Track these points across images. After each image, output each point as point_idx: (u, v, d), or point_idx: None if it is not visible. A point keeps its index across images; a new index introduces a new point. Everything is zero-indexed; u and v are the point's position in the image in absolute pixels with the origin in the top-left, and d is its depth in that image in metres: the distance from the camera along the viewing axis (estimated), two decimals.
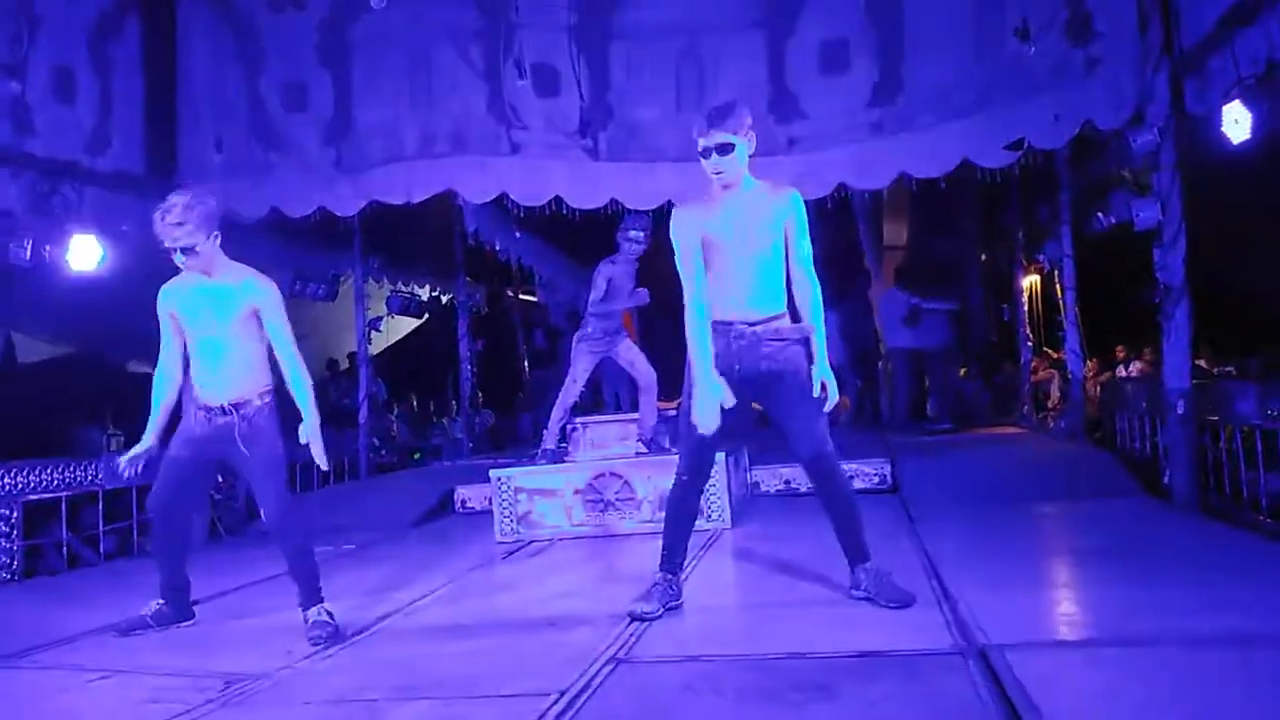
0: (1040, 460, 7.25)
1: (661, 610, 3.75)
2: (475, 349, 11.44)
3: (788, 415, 3.76)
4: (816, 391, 3.67)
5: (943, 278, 10.43)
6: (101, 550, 6.33)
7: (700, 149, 3.65)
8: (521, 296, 14.77)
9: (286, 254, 8.79)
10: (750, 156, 3.70)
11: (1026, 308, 10.46)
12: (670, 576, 3.89)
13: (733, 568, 4.98)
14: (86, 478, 6.26)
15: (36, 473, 5.95)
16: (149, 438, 3.99)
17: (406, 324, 12.82)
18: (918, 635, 3.23)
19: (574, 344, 6.53)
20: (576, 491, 6.11)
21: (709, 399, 3.60)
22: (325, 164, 7.07)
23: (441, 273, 11.34)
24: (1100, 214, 6.91)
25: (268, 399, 3.96)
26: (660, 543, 3.94)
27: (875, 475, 6.93)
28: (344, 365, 12.39)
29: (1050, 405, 9.98)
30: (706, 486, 3.92)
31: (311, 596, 3.92)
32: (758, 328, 3.70)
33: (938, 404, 9.59)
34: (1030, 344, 10.20)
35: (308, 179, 7.11)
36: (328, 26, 7.04)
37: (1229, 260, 8.82)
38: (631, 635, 3.49)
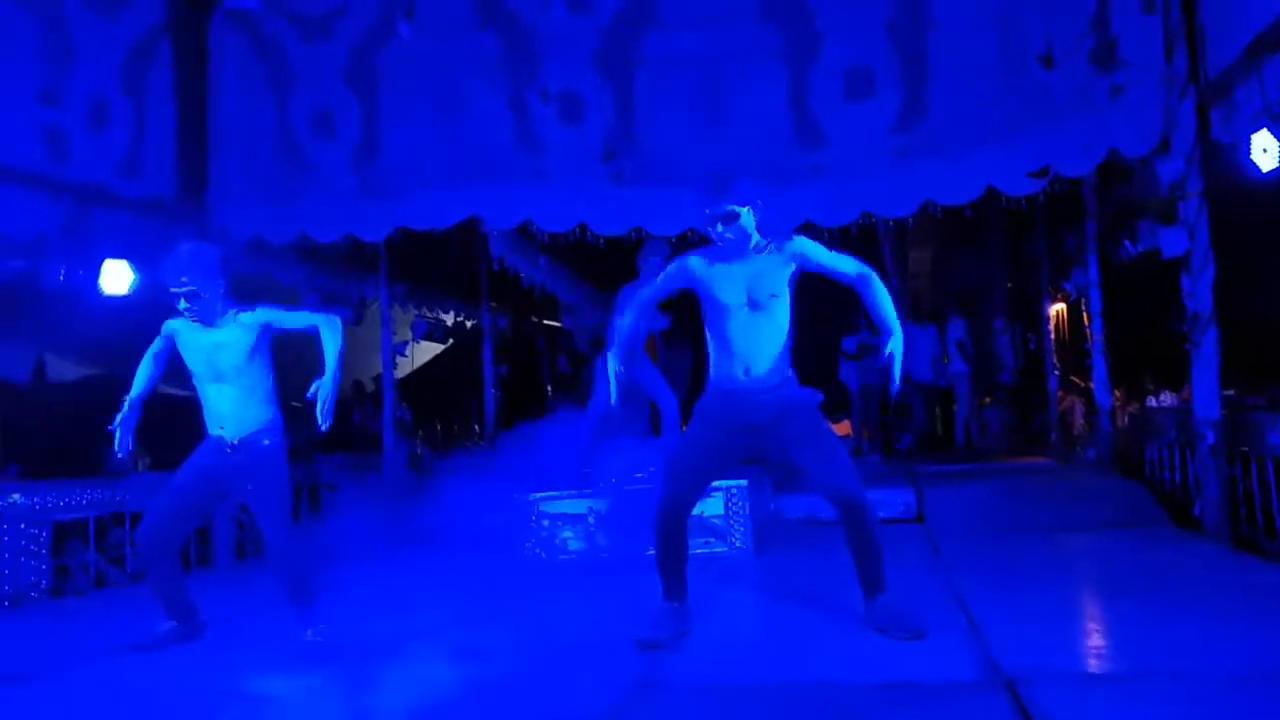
0: (1067, 490, 7.16)
1: (672, 638, 3.72)
2: (499, 374, 11.48)
3: (802, 458, 3.72)
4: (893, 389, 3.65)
5: (967, 305, 10.40)
6: (128, 570, 6.37)
7: (707, 219, 3.68)
8: (545, 322, 14.82)
9: (313, 278, 8.89)
10: (756, 220, 3.70)
11: (1053, 336, 10.38)
12: (677, 604, 3.86)
13: (756, 594, 4.94)
14: (114, 497, 6.31)
15: (65, 492, 6.01)
16: (126, 406, 4.09)
17: (432, 349, 12.90)
18: (945, 666, 3.19)
19: (597, 369, 6.55)
20: (599, 516, 6.10)
21: (610, 377, 3.81)
22: (352, 189, 7.15)
23: (466, 298, 11.42)
24: (1128, 241, 6.86)
25: (275, 434, 4.10)
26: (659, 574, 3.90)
27: (900, 505, 6.87)
28: (369, 388, 12.46)
29: (1076, 434, 9.88)
30: (693, 514, 3.89)
31: (309, 617, 4.02)
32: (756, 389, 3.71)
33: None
34: (1057, 373, 10.12)
35: (335, 204, 7.18)
36: (356, 54, 7.14)
37: (1259, 288, 8.72)
38: (653, 661, 3.47)
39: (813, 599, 4.40)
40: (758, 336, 3.68)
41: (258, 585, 5.85)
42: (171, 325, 4.13)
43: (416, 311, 10.78)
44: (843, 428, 11.22)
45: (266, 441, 4.06)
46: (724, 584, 4.94)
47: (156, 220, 6.96)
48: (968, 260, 11.58)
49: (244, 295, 7.47)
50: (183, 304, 3.96)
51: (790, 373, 3.78)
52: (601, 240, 7.01)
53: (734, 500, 5.89)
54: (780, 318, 3.71)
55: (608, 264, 7.92)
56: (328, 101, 7.19)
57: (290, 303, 9.22)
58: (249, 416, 4.05)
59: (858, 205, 6.48)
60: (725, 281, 3.69)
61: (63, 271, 6.31)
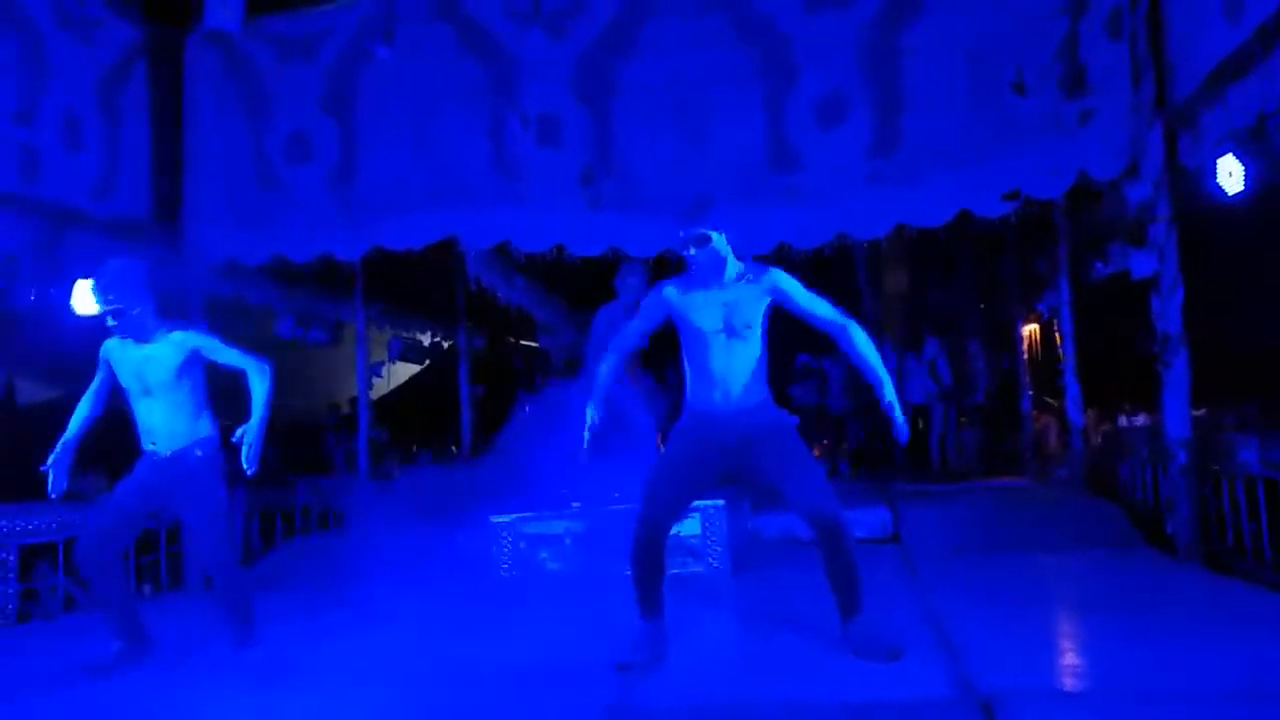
0: (1041, 510, 7.20)
1: (649, 659, 3.71)
2: (477, 394, 11.45)
3: (779, 480, 3.73)
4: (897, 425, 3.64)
5: (941, 327, 10.49)
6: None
7: (680, 242, 3.72)
8: (522, 342, 14.81)
9: (288, 299, 8.84)
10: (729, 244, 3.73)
11: (1026, 356, 10.48)
12: (653, 624, 3.85)
13: (733, 615, 4.94)
14: (82, 521, 6.22)
15: (33, 516, 5.93)
16: (60, 448, 4.13)
17: (409, 369, 12.86)
18: (922, 684, 3.21)
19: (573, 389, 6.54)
20: (575, 538, 6.08)
21: (587, 426, 3.79)
22: (329, 211, 7.13)
23: (443, 319, 11.39)
24: (1099, 263, 6.96)
25: (207, 446, 4.14)
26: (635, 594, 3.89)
27: (876, 524, 6.89)
28: (345, 410, 12.39)
29: (1050, 454, 9.96)
30: (670, 535, 3.89)
31: (246, 637, 4.06)
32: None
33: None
34: (1031, 393, 10.21)
35: (311, 225, 7.16)
36: (334, 76, 7.14)
37: (1228, 309, 8.86)
38: (629, 683, 3.46)
39: (789, 619, 4.40)
40: (734, 362, 3.70)
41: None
42: (106, 346, 4.20)
43: (393, 332, 10.74)
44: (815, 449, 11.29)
45: (199, 453, 4.11)
46: (701, 604, 4.93)
47: (130, 242, 6.91)
48: (942, 282, 11.69)
49: (217, 316, 7.47)
50: (110, 321, 4.06)
51: (767, 395, 3.80)
52: (579, 261, 7.03)
53: (711, 520, 5.89)
54: (755, 344, 3.73)
55: (585, 284, 7.93)
56: (305, 123, 7.18)
57: (266, 325, 9.22)
58: (179, 430, 4.11)
59: (832, 227, 6.53)
60: (702, 308, 3.71)
61: (34, 292, 6.25)
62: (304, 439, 11.58)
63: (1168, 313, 5.97)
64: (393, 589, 6.37)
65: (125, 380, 4.13)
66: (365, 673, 3.95)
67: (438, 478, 9.27)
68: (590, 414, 3.85)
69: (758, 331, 3.73)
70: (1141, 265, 6.09)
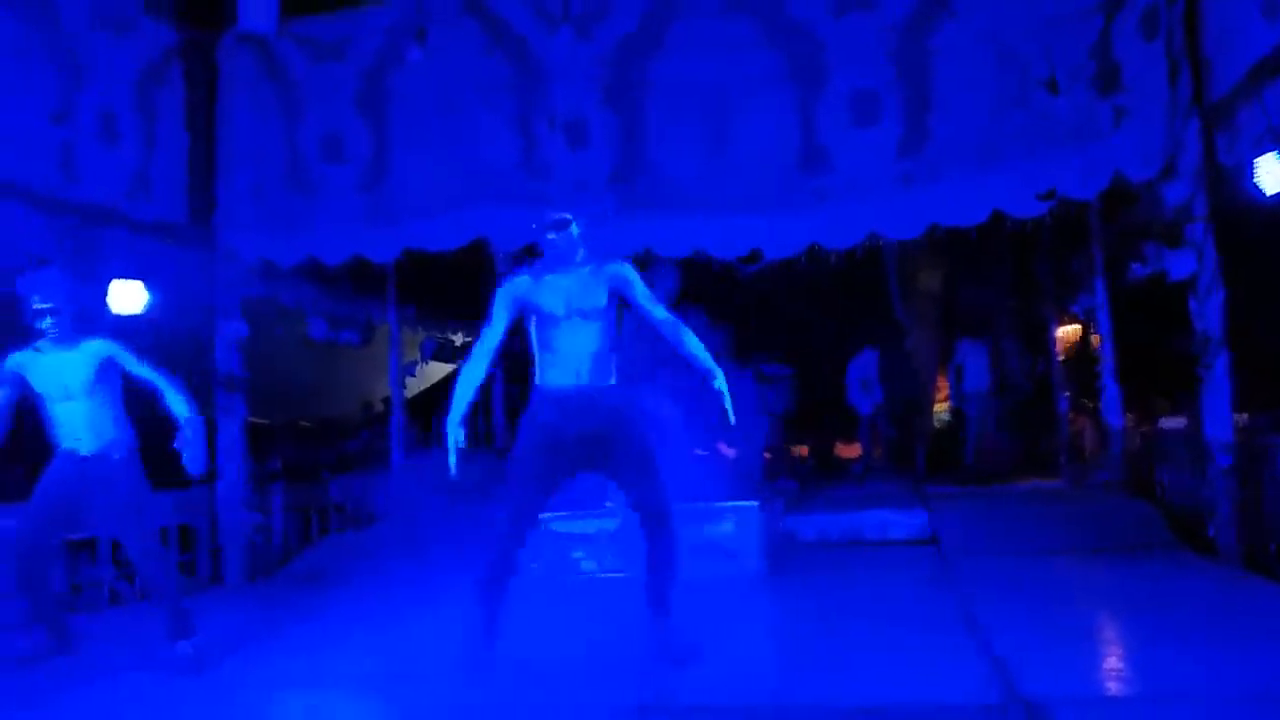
0: (1079, 512, 7.13)
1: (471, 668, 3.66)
2: (510, 392, 11.47)
3: (622, 475, 3.81)
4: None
5: (974, 328, 10.40)
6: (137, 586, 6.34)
7: (538, 229, 3.79)
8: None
9: (321, 300, 8.92)
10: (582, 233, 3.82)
11: (1061, 358, 10.37)
12: (483, 638, 3.75)
13: (767, 616, 4.93)
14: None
15: None
16: None
17: (441, 368, 12.93)
18: (961, 688, 3.18)
19: None
20: (610, 536, 6.09)
21: (450, 446, 3.74)
22: (360, 212, 7.17)
23: (475, 318, 11.38)
24: (1135, 264, 6.87)
25: (124, 449, 4.25)
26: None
27: (913, 526, 6.85)
28: (378, 408, 12.47)
29: (1086, 456, 9.84)
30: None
31: (181, 629, 4.15)
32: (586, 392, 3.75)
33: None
34: (1067, 395, 10.09)
35: (343, 227, 7.21)
36: (366, 77, 7.18)
37: (1269, 310, 8.71)
38: (663, 682, 3.46)
39: (824, 621, 4.39)
40: (585, 343, 3.75)
41: (270, 604, 5.86)
42: (16, 359, 4.24)
43: (426, 332, 10.79)
44: (853, 449, 11.23)
45: (117, 455, 4.22)
46: (735, 605, 4.93)
47: (166, 242, 7.00)
48: (974, 283, 11.58)
49: (251, 317, 7.54)
50: (48, 320, 4.14)
51: (618, 378, 3.84)
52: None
53: (744, 521, 5.87)
54: (604, 328, 3.79)
55: None
56: (337, 124, 7.23)
57: (299, 326, 9.29)
58: (101, 431, 4.21)
59: (863, 228, 6.51)
60: (550, 292, 3.77)
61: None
62: (337, 437, 11.67)
63: (1207, 314, 5.89)
64: (426, 584, 6.41)
65: (46, 387, 4.21)
66: (400, 670, 3.97)
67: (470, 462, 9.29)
68: (452, 432, 3.79)
69: (606, 316, 3.80)
70: (1179, 266, 6.01)
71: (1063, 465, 9.68)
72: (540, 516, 3.96)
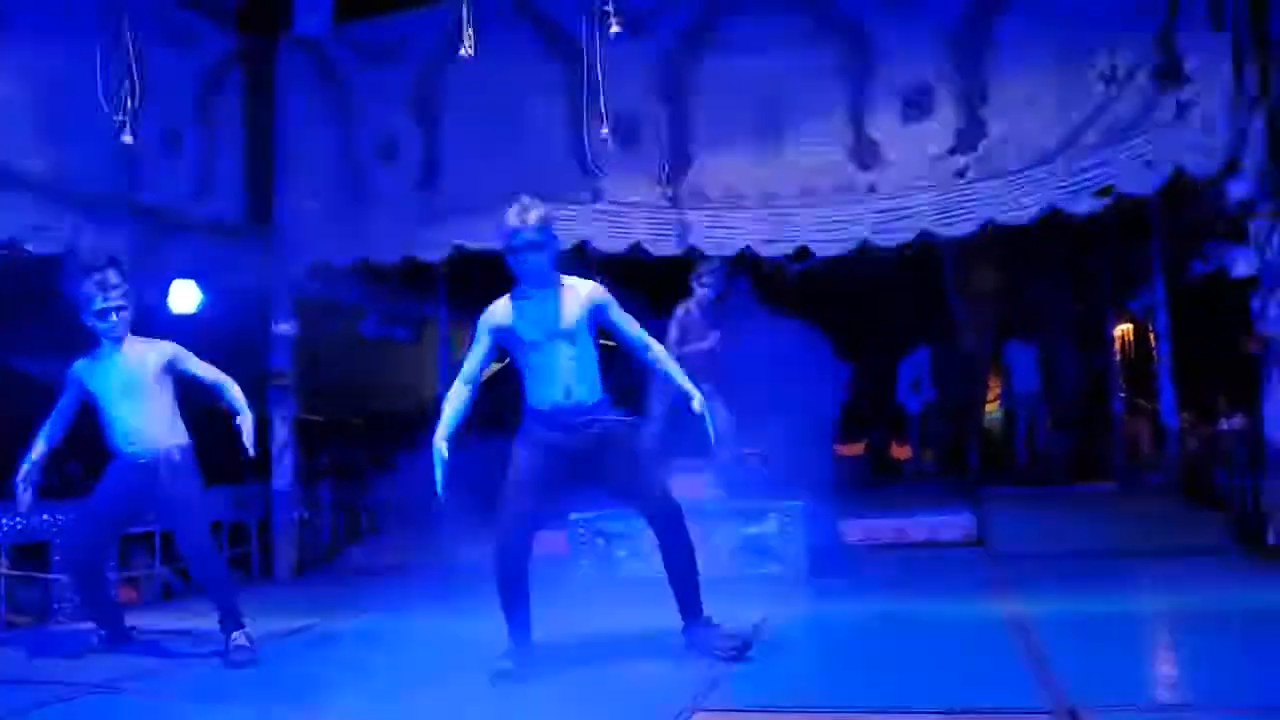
0: (1133, 515, 6.99)
1: (516, 673, 3.62)
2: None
3: (621, 481, 3.82)
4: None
5: (1029, 326, 10.25)
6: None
7: (508, 248, 3.77)
8: (601, 342, 14.86)
9: (374, 298, 9.04)
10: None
11: (1118, 357, 10.16)
12: (521, 649, 3.75)
13: (811, 618, 4.89)
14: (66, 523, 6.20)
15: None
16: (29, 464, 4.30)
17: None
18: (1008, 694, 3.13)
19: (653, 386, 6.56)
20: None
21: (436, 463, 3.72)
22: (412, 212, 7.26)
23: None
24: (1196, 261, 6.71)
25: (183, 450, 4.30)
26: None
27: (961, 527, 6.76)
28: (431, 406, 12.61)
29: (1142, 457, 9.64)
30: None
31: (235, 625, 4.18)
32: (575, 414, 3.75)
33: None
34: (1123, 395, 9.88)
35: (396, 227, 7.30)
36: (419, 78, 7.26)
37: None
38: (710, 684, 3.45)
39: (867, 623, 4.35)
40: (568, 362, 3.74)
41: (319, 598, 5.96)
42: (77, 368, 4.30)
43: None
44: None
45: (177, 457, 4.26)
46: (777, 606, 4.90)
47: (224, 243, 7.14)
48: (1030, 280, 11.37)
49: (303, 314, 7.66)
50: (114, 317, 4.20)
51: (606, 397, 3.83)
52: (656, 260, 7.04)
53: (788, 521, 5.84)
54: (587, 348, 3.79)
55: (660, 282, 7.93)
56: (391, 126, 7.32)
57: (353, 323, 9.44)
58: (159, 433, 4.26)
59: (915, 224, 6.43)
60: (527, 317, 3.76)
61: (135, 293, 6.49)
62: (389, 435, 11.82)
63: (1269, 314, 5.73)
64: (464, 581, 6.46)
65: (104, 389, 4.26)
66: (428, 670, 3.98)
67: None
68: (438, 450, 3.77)
69: (587, 337, 3.80)
70: (1241, 264, 5.86)
71: (1117, 467, 9.49)
72: (540, 526, 3.91)
